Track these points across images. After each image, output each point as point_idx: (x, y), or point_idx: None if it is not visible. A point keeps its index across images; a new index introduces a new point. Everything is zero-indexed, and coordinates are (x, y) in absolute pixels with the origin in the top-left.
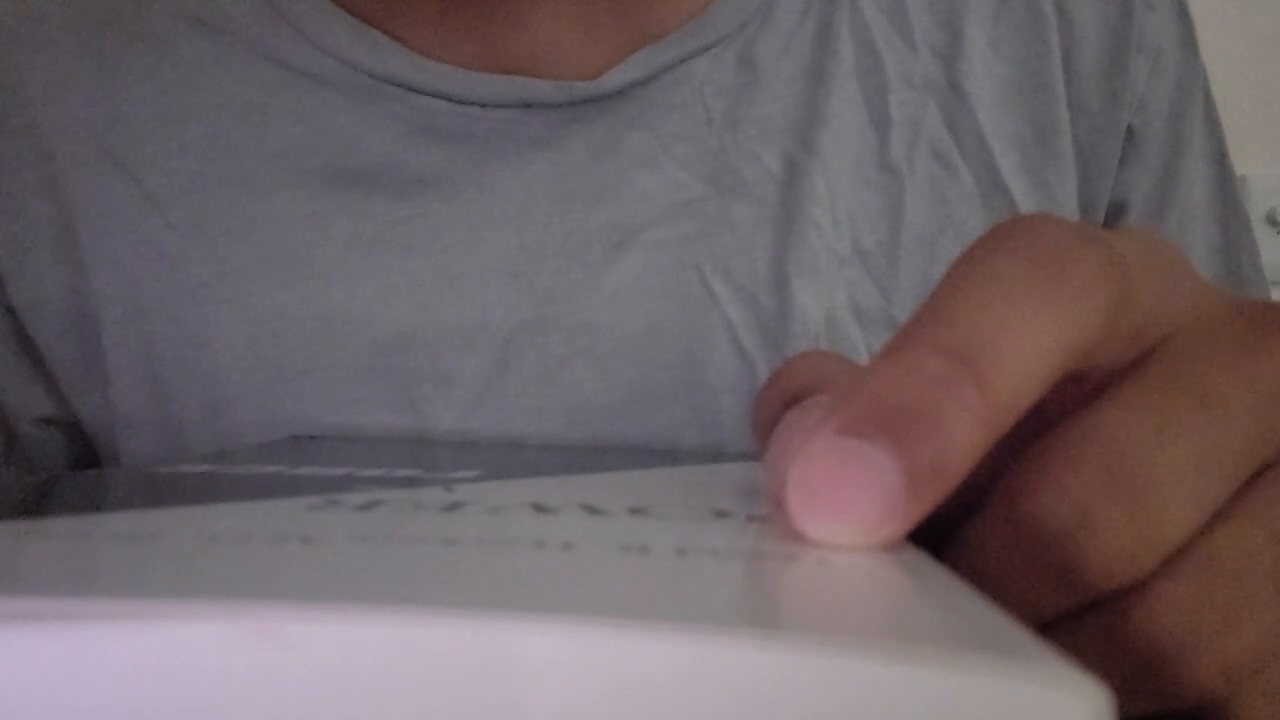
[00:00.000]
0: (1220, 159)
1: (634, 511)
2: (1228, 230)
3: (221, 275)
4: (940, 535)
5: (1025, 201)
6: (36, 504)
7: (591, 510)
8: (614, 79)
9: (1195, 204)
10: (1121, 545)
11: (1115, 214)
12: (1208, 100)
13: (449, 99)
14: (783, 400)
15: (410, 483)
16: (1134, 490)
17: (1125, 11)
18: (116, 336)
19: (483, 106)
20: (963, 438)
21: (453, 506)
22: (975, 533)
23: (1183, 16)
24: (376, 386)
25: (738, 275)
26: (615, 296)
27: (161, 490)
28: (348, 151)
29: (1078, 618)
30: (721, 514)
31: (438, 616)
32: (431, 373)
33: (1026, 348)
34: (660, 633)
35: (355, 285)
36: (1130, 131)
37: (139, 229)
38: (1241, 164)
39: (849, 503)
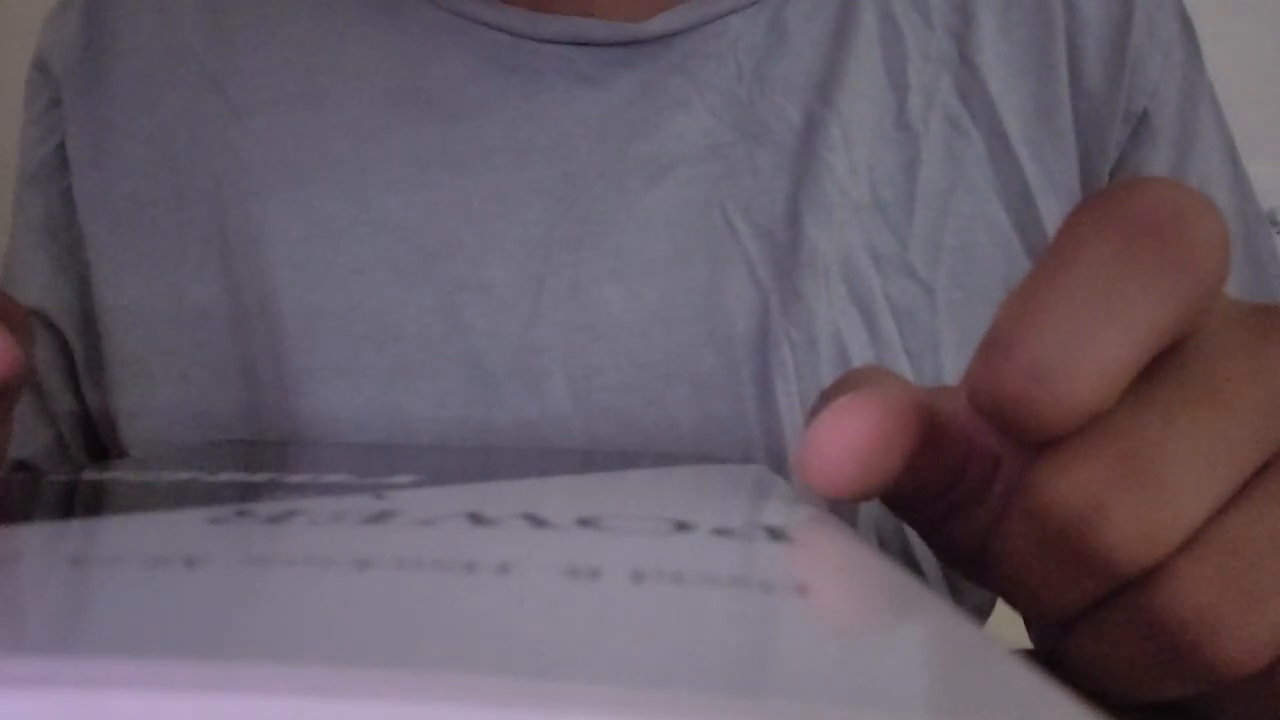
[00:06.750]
0: (1234, 159)
1: (584, 523)
2: (1248, 222)
3: (286, 179)
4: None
5: (1031, 169)
6: None
7: (536, 522)
8: (658, 25)
9: (1210, 195)
10: (1134, 529)
11: None
12: (1215, 106)
13: (510, 33)
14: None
15: (339, 489)
16: (1143, 478)
17: (1128, 9)
18: (203, 232)
19: (539, 42)
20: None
21: (379, 517)
22: (1001, 532)
23: (1185, 23)
24: (419, 289)
25: (757, 214)
26: (646, 224)
27: (48, 500)
28: (414, 76)
29: (1110, 605)
30: (683, 526)
31: (286, 688)
32: (471, 280)
33: (1109, 350)
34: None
35: (408, 196)
36: (1145, 114)
37: (223, 136)
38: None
39: None
